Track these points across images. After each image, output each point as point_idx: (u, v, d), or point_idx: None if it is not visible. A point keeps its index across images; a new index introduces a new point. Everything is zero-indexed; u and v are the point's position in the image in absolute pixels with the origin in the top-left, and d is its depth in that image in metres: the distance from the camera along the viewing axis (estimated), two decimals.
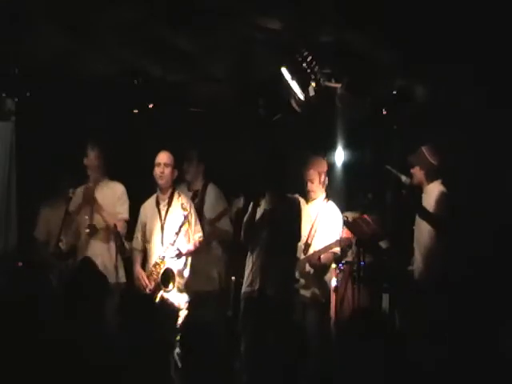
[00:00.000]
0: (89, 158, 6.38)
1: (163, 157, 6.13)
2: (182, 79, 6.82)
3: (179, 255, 6.02)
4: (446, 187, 5.67)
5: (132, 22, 5.59)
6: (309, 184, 6.16)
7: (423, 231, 5.74)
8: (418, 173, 5.75)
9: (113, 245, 6.25)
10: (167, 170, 6.09)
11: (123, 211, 6.34)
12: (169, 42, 5.92)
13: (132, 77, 6.78)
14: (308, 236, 6.09)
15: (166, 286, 5.96)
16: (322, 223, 6.13)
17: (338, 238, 6.02)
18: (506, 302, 5.64)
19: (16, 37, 5.76)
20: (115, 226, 6.17)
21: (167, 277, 5.98)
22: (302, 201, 6.11)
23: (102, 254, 6.27)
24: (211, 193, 6.68)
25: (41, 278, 6.33)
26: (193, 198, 6.59)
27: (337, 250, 6.08)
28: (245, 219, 5.86)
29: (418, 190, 5.81)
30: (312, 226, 6.11)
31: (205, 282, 6.48)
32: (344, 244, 6.04)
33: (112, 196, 6.38)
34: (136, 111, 7.19)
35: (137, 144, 7.05)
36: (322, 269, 6.07)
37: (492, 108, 5.89)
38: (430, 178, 5.72)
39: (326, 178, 6.23)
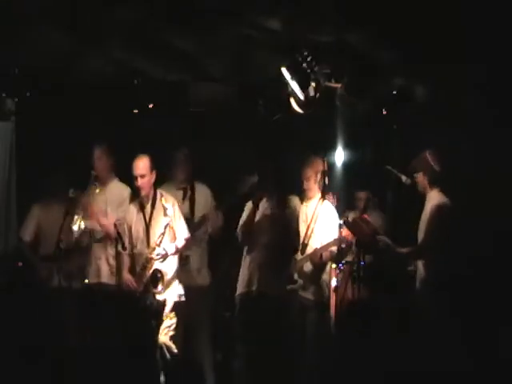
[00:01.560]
0: (95, 159, 6.39)
1: (137, 168, 6.09)
2: (181, 79, 6.82)
3: (165, 256, 6.02)
4: (446, 196, 5.60)
5: (132, 22, 5.59)
6: (305, 182, 6.17)
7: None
8: (421, 178, 5.68)
9: (112, 247, 6.26)
10: (143, 181, 6.06)
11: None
12: (169, 42, 5.91)
13: (132, 77, 6.78)
14: (305, 236, 6.09)
15: (155, 287, 5.98)
16: (319, 223, 6.12)
17: (338, 236, 6.02)
18: (506, 302, 5.64)
19: (16, 37, 5.75)
20: (116, 226, 6.18)
21: (156, 278, 5.99)
22: (298, 201, 6.13)
23: (101, 256, 6.30)
24: (201, 192, 6.66)
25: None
26: (183, 197, 6.59)
27: (334, 248, 6.08)
28: (243, 221, 5.85)
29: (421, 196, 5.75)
30: (308, 226, 6.11)
31: (196, 277, 6.48)
32: (344, 242, 6.04)
33: (117, 199, 6.39)
34: (136, 111, 7.19)
35: (137, 144, 7.04)
36: (321, 267, 6.07)
37: (492, 108, 5.90)
38: (433, 184, 5.65)
39: (324, 179, 6.21)
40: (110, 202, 6.39)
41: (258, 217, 5.78)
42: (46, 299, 6.19)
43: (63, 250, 6.10)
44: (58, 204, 6.37)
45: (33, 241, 6.56)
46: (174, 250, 6.09)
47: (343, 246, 6.36)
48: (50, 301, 6.16)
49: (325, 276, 6.15)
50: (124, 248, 6.03)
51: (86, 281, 6.34)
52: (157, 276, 5.99)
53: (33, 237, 6.56)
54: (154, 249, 6.00)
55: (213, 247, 6.72)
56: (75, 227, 6.14)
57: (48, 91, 6.83)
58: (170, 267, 6.10)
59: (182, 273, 6.29)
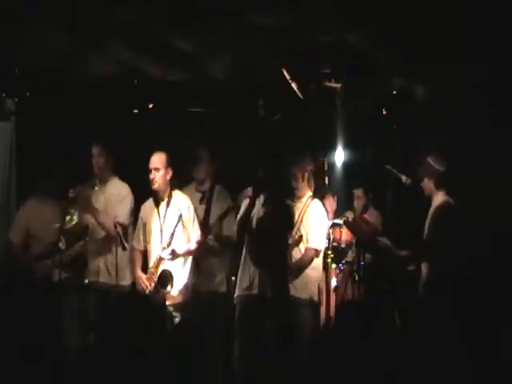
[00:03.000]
0: (94, 156, 6.36)
1: (152, 161, 6.10)
2: (181, 79, 6.82)
3: (175, 255, 6.01)
4: (450, 197, 5.59)
5: (132, 22, 5.59)
6: (293, 182, 6.06)
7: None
8: (427, 184, 5.65)
9: (113, 246, 6.25)
10: (157, 175, 6.07)
11: (122, 215, 6.26)
12: (169, 42, 5.92)
13: (132, 77, 6.78)
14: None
15: (164, 288, 5.95)
16: (304, 222, 5.98)
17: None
18: (506, 302, 5.64)
19: (16, 37, 5.76)
20: (116, 226, 6.16)
21: (165, 278, 5.97)
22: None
23: (102, 255, 6.29)
24: (220, 197, 6.53)
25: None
26: (201, 199, 6.55)
27: (317, 246, 5.92)
28: (238, 217, 5.81)
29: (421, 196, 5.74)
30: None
31: (211, 283, 6.45)
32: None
33: (116, 197, 6.35)
34: (136, 111, 7.19)
35: (137, 144, 7.04)
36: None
37: (492, 108, 5.90)
38: (439, 187, 5.62)
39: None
40: (109, 201, 6.35)
41: (255, 218, 5.74)
42: (46, 298, 6.18)
43: (62, 249, 6.09)
44: (53, 203, 6.35)
45: (23, 242, 6.43)
46: (184, 251, 6.09)
47: (343, 246, 6.37)
48: (49, 300, 6.15)
49: (313, 273, 5.99)
50: (124, 248, 6.01)
51: (86, 280, 6.30)
52: (165, 276, 5.97)
53: (22, 239, 6.43)
54: (165, 248, 6.01)
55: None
56: (67, 217, 6.10)
57: (48, 91, 6.84)
58: (181, 270, 6.09)
59: (195, 276, 6.27)
